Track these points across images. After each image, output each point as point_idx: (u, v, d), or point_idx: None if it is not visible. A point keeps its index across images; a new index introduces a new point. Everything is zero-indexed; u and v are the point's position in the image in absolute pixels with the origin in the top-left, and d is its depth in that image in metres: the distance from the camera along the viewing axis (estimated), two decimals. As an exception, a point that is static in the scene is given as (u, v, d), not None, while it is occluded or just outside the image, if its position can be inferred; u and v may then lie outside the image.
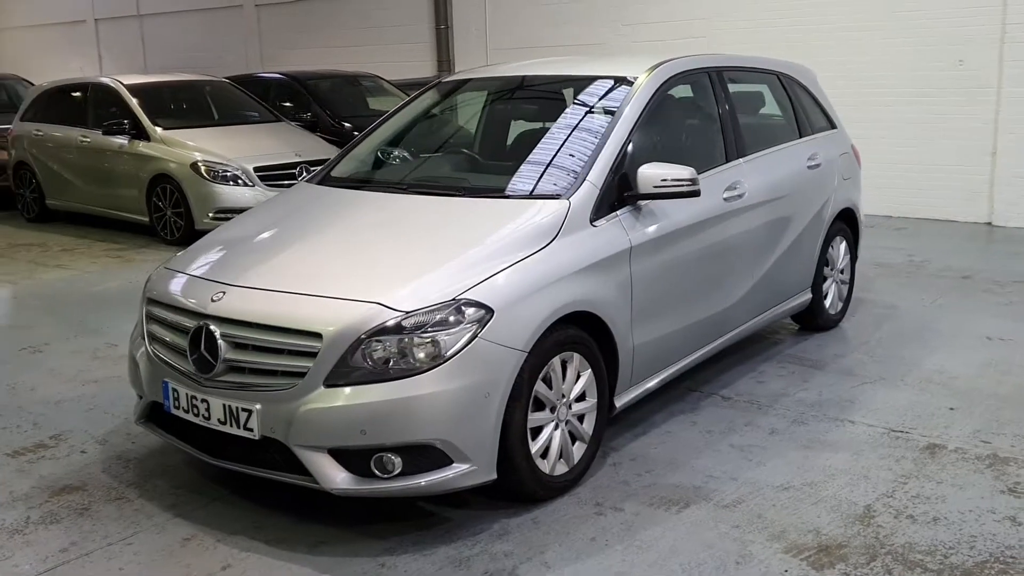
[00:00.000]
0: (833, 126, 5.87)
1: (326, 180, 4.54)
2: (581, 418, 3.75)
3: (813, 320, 5.71)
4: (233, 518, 3.53)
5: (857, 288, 6.29)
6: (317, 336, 3.20)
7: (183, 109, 10.33)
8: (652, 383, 4.19)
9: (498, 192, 3.98)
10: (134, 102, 9.59)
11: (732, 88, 4.93)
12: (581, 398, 3.72)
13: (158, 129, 9.33)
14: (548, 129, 4.29)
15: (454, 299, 3.26)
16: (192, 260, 3.91)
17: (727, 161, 4.69)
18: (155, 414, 3.73)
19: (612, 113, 4.16)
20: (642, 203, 4.00)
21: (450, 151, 4.68)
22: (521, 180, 4.02)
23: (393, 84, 11.89)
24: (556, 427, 3.60)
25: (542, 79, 4.88)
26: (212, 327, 3.39)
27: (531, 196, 3.87)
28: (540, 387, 3.49)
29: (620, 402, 3.99)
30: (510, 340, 3.30)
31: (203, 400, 3.39)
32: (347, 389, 3.16)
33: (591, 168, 3.91)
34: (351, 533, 3.40)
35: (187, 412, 3.48)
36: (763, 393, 4.75)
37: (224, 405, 3.34)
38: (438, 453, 3.22)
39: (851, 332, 5.79)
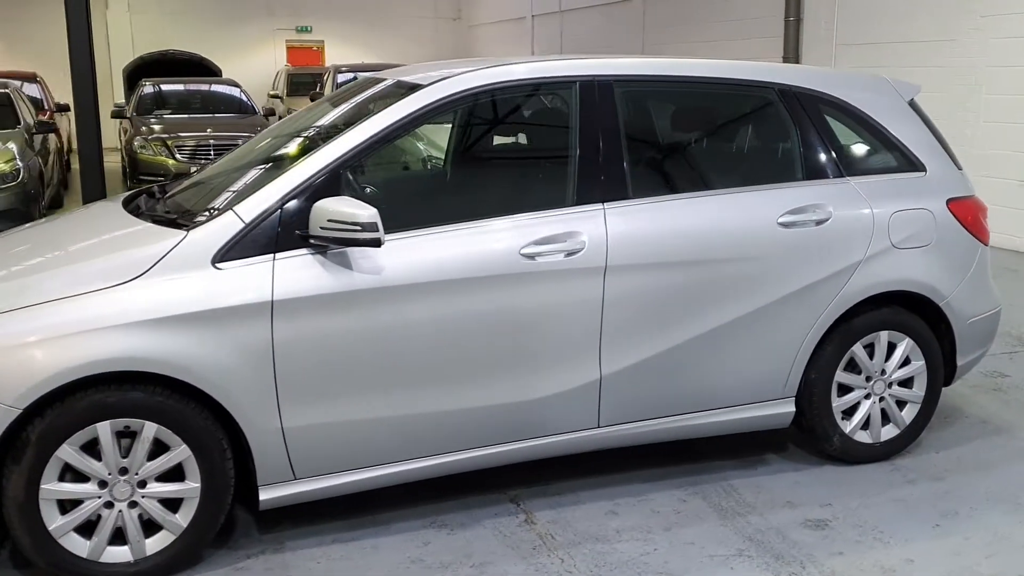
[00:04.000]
0: (915, 168, 3.91)
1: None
2: (174, 504, 3.04)
3: (818, 445, 3.93)
4: None
5: None
6: None
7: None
8: (350, 479, 3.24)
9: (183, 213, 3.33)
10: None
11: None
12: (176, 478, 3.02)
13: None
14: (297, 145, 3.52)
15: (-68, 331, 2.82)
16: None
17: (576, 204, 3.39)
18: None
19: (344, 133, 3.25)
20: (340, 248, 3.07)
21: (244, 166, 3.98)
22: (202, 203, 3.33)
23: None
24: (110, 507, 2.97)
25: (372, 85, 3.93)
26: None
27: (166, 221, 3.19)
28: (77, 457, 2.89)
29: (269, 495, 3.16)
30: (-9, 392, 2.77)
31: None
32: None
33: (245, 196, 3.10)
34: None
35: None
36: (584, 530, 3.39)
37: None
38: (-101, 505, 2.85)
39: (893, 473, 3.86)
